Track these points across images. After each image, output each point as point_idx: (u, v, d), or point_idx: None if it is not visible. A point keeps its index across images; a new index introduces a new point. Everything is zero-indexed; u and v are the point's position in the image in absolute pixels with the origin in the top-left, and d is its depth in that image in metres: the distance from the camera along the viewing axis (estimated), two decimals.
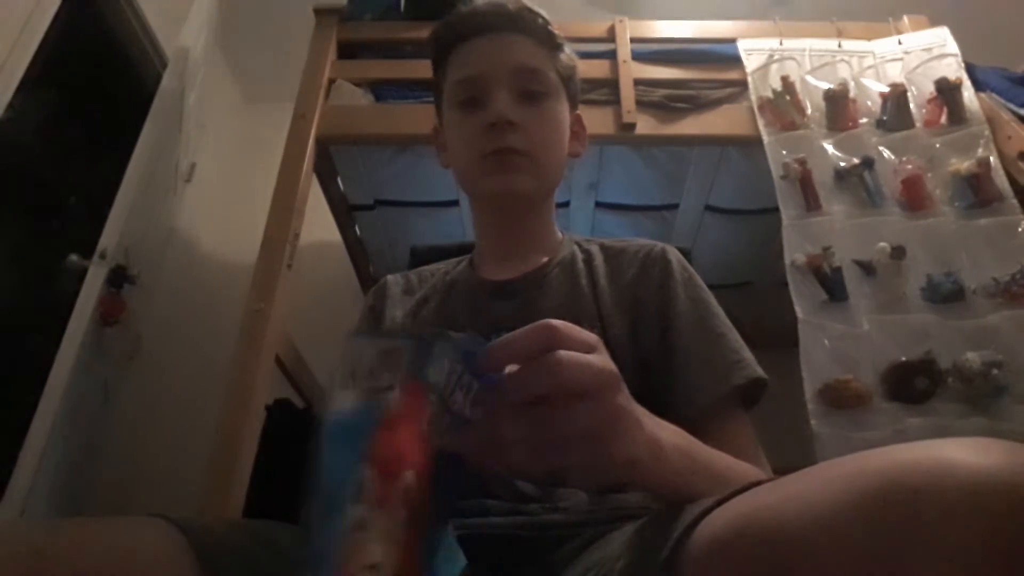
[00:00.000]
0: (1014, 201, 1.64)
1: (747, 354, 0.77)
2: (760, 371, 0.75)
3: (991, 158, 1.69)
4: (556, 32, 0.91)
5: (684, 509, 0.46)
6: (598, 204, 2.06)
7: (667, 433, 0.52)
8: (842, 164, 1.74)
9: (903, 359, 1.50)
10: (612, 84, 1.89)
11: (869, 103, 1.85)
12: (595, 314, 0.82)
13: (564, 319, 0.45)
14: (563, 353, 0.42)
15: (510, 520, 0.67)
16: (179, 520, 0.52)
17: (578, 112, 0.96)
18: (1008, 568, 0.29)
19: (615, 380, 0.45)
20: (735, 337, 0.78)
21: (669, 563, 0.43)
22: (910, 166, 1.72)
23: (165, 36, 2.45)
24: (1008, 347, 1.49)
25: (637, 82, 1.88)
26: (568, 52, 0.93)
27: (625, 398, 0.47)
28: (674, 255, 0.88)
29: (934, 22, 1.99)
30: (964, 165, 1.70)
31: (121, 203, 1.89)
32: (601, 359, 0.45)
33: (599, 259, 0.89)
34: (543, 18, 0.91)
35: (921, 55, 1.91)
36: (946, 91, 1.80)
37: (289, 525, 0.63)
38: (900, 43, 1.94)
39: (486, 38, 0.87)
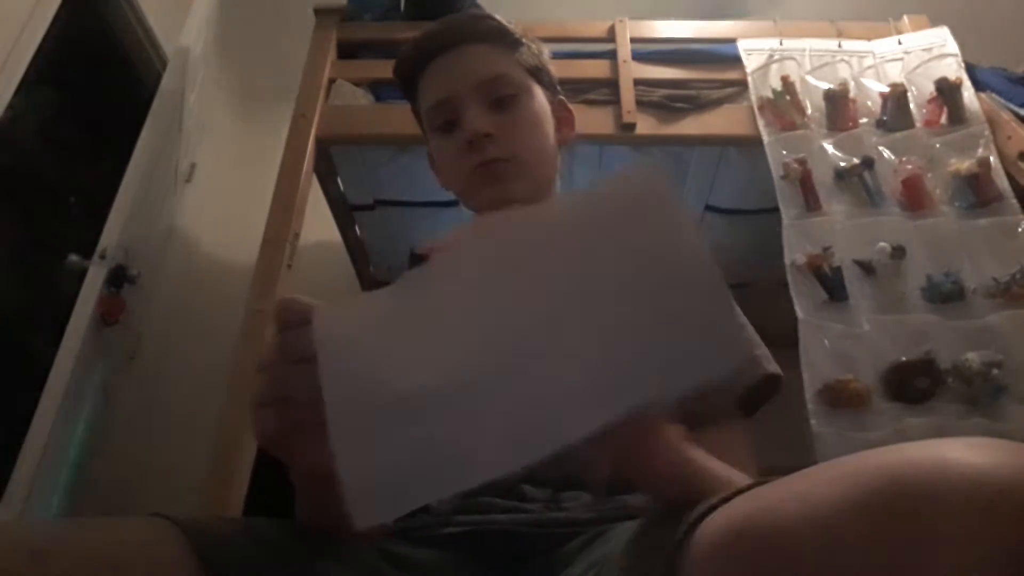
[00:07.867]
0: (1014, 201, 1.64)
1: (761, 351, 0.75)
2: (773, 367, 0.74)
3: (991, 158, 1.69)
4: (510, 28, 0.90)
5: (686, 508, 0.46)
6: None
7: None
8: (842, 164, 1.74)
9: (903, 359, 1.50)
10: (612, 84, 1.89)
11: (869, 103, 1.85)
12: None
13: None
14: None
15: (512, 517, 0.67)
16: (179, 520, 0.52)
17: (560, 97, 0.94)
18: (1010, 568, 0.29)
19: None
20: (749, 335, 0.76)
21: (671, 562, 0.43)
22: (910, 166, 1.72)
23: (165, 36, 2.45)
24: (1008, 347, 1.49)
25: (637, 82, 1.88)
26: (529, 43, 0.90)
27: None
28: None
29: (934, 22, 1.99)
30: (964, 165, 1.69)
31: (121, 203, 1.89)
32: None
33: None
34: (493, 19, 0.89)
35: (921, 55, 1.90)
36: (946, 91, 1.80)
37: (289, 524, 0.63)
38: (900, 43, 1.94)
39: (443, 58, 0.86)
